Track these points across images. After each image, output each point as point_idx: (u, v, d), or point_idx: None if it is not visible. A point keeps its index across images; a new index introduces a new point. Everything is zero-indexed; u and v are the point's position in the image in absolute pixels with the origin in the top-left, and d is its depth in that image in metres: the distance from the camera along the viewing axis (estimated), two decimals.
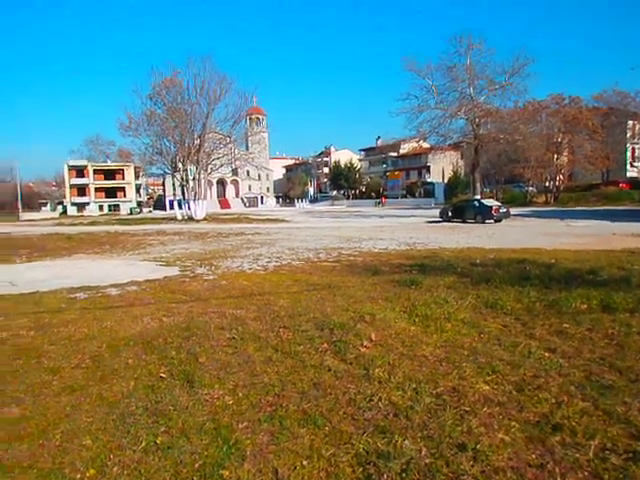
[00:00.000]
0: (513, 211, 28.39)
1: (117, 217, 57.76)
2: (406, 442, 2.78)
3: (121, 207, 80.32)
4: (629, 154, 54.80)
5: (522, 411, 3.14)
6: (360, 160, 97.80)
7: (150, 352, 4.62)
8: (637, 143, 55.07)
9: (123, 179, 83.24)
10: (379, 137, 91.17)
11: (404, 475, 2.49)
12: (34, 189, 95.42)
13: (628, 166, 54.66)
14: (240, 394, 3.56)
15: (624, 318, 5.19)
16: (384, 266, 9.85)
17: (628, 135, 52.68)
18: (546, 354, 4.19)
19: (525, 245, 13.38)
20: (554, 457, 2.62)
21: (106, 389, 3.75)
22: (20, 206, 68.00)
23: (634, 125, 52.63)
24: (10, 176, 79.52)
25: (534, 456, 2.64)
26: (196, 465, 2.65)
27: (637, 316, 5.26)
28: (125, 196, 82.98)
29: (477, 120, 32.52)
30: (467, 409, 3.18)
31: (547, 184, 48.90)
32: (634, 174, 54.22)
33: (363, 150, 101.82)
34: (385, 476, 2.49)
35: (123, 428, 3.09)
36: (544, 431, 2.88)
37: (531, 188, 50.41)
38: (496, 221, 24.88)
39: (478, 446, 2.71)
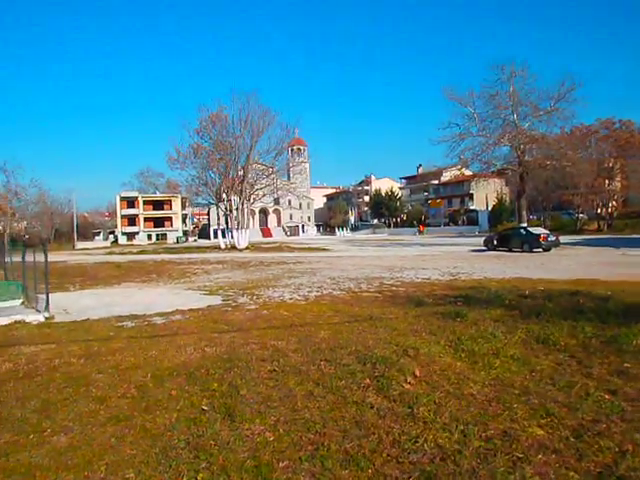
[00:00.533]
0: (563, 239, 27.26)
1: (164, 246, 59.76)
2: None
3: (168, 236, 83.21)
4: None
5: (581, 460, 2.91)
6: (401, 188, 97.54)
7: (193, 383, 4.66)
8: None
9: (170, 209, 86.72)
10: (420, 165, 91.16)
11: None
12: (88, 219, 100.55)
13: None
14: (281, 430, 3.50)
15: None
16: (427, 297, 9.62)
17: None
18: (606, 396, 3.90)
19: (577, 276, 12.75)
20: None
21: (150, 420, 3.79)
22: (75, 236, 71.76)
23: None
24: (68, 207, 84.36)
25: None
26: None
27: None
28: (172, 225, 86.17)
29: (522, 147, 31.71)
30: (520, 455, 2.98)
31: (599, 211, 46.94)
32: None
33: (404, 178, 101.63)
34: None
35: (165, 462, 3.10)
36: None
37: (581, 215, 48.55)
38: (545, 250, 23.90)
39: None
